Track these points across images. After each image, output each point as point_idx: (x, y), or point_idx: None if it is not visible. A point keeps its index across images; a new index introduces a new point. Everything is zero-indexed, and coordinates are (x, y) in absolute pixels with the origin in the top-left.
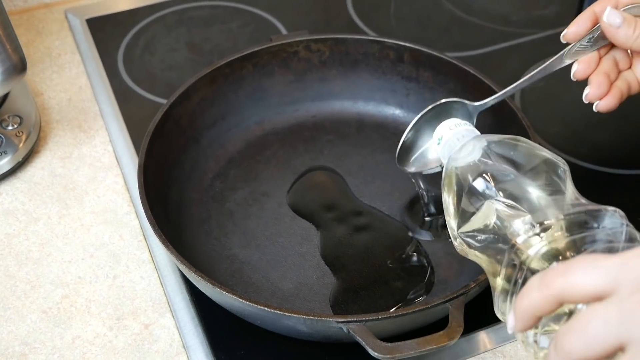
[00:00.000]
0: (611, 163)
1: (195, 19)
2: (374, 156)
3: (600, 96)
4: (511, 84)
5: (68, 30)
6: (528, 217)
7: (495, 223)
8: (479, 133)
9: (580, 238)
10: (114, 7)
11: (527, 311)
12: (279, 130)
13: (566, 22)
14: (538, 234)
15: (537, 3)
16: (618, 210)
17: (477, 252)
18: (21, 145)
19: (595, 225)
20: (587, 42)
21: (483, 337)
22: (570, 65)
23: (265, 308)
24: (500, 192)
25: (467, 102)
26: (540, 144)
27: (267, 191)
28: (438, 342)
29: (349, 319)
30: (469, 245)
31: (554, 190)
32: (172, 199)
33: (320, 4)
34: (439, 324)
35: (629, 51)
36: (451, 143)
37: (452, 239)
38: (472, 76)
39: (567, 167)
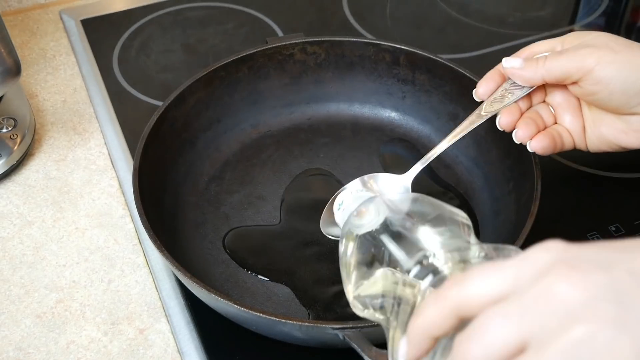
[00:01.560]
0: (606, 167)
1: (191, 19)
2: (370, 159)
3: (530, 135)
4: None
5: (63, 31)
6: (422, 256)
7: (392, 286)
8: (376, 197)
9: (475, 263)
10: (109, 7)
11: (421, 331)
12: (274, 133)
13: (561, 24)
14: (434, 269)
15: (533, 4)
16: (518, 249)
17: (375, 313)
18: (15, 147)
19: (495, 256)
20: (502, 94)
21: None
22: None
23: (261, 314)
24: (399, 253)
25: (393, 175)
26: None
27: (262, 194)
28: None
29: (344, 326)
30: (367, 306)
31: (456, 240)
32: (167, 202)
33: (316, 5)
34: None
35: (550, 108)
36: (350, 207)
37: (350, 303)
38: (468, 79)
39: (469, 222)
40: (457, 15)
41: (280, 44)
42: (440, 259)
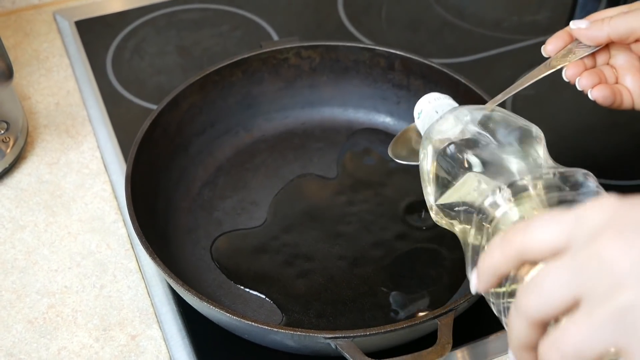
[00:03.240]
0: (601, 173)
1: (185, 21)
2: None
3: (593, 84)
4: (501, 91)
5: (56, 33)
6: (500, 182)
7: (472, 195)
8: (457, 105)
9: (549, 199)
10: (104, 9)
11: (488, 269)
12: (268, 137)
13: (558, 28)
14: (508, 197)
15: (529, 8)
16: (589, 173)
17: (453, 221)
18: (8, 151)
19: (566, 187)
20: (569, 50)
21: (471, 351)
22: (558, 71)
23: (253, 323)
24: (478, 164)
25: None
26: None
27: (255, 200)
28: (427, 359)
29: (336, 335)
30: (445, 215)
31: (529, 156)
32: (160, 207)
33: (311, 8)
34: (428, 338)
35: (613, 70)
36: (430, 116)
37: (429, 208)
38: (463, 85)
39: (541, 134)
40: (452, 18)
41: (274, 49)
42: (514, 185)
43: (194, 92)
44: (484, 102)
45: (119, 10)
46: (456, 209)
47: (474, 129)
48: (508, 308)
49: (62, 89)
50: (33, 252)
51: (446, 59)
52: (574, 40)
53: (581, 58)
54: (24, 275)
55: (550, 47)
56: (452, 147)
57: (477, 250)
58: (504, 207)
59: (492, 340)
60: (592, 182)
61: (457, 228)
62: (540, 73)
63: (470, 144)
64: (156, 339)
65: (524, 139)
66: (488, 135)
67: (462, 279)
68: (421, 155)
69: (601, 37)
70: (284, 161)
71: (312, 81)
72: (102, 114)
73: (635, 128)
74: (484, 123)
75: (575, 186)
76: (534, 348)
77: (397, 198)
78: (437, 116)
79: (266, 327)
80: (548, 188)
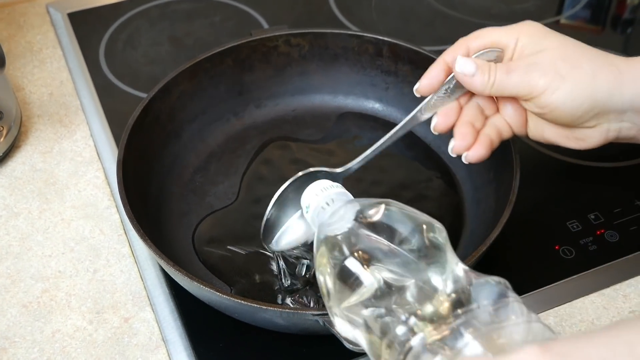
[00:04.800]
0: (587, 156)
1: (178, 12)
2: (354, 151)
3: (467, 147)
4: None
5: (50, 25)
6: (407, 305)
7: (374, 299)
8: (349, 195)
9: (460, 323)
10: (96, 1)
11: None
12: (259, 124)
13: (546, 16)
14: (419, 319)
15: None
16: (502, 281)
17: (358, 332)
18: (2, 139)
19: (477, 304)
20: (444, 92)
21: None
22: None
23: (242, 301)
24: (377, 267)
25: (329, 169)
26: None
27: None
28: None
29: (324, 312)
30: (350, 322)
31: (433, 258)
32: (152, 193)
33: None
34: None
35: (494, 97)
36: (320, 210)
37: (330, 317)
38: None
39: (444, 231)
40: (442, 8)
41: (264, 36)
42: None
43: (185, 79)
44: None
45: (111, 2)
46: (359, 315)
47: (373, 228)
48: None
49: (56, 79)
50: (27, 238)
51: (437, 46)
52: (450, 73)
53: (457, 99)
54: (18, 261)
55: (425, 84)
56: (350, 251)
57: None
58: (416, 337)
59: None
60: (508, 292)
61: (366, 341)
62: (410, 124)
63: (370, 248)
64: (149, 321)
65: (427, 237)
66: (389, 234)
67: None
68: (316, 257)
69: (484, 93)
70: (275, 147)
71: (302, 68)
72: (95, 103)
73: None
74: (382, 222)
75: (487, 298)
76: None
77: (385, 182)
78: (330, 210)
79: (255, 306)
80: (458, 305)
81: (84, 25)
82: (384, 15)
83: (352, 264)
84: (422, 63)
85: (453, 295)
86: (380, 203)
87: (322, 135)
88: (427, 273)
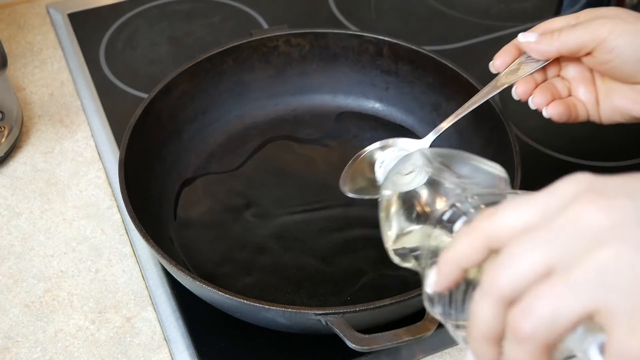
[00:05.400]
0: (588, 155)
1: (178, 13)
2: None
3: (547, 102)
4: (491, 77)
5: (50, 25)
6: (457, 208)
7: (432, 239)
8: (419, 149)
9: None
10: (96, 1)
11: (451, 261)
12: (259, 124)
13: (546, 15)
14: (466, 212)
15: None
16: None
17: (411, 263)
18: (3, 140)
19: None
20: (517, 66)
21: None
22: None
23: (244, 300)
24: (439, 208)
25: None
26: (518, 137)
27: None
28: (415, 334)
29: (327, 311)
30: (404, 259)
31: (495, 198)
32: (153, 193)
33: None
34: (418, 316)
35: (565, 81)
36: (391, 164)
37: (387, 250)
38: (451, 70)
39: (506, 175)
40: (441, 7)
41: (264, 36)
42: (473, 203)
43: (185, 79)
44: (471, 86)
45: (111, 2)
46: (415, 253)
47: (435, 173)
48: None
49: (56, 80)
50: (29, 238)
51: (436, 46)
52: (522, 53)
53: (531, 73)
54: (20, 261)
55: (499, 62)
56: (411, 193)
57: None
58: (461, 222)
59: None
60: None
61: (418, 268)
62: (489, 92)
63: (431, 187)
64: (151, 321)
65: (489, 181)
66: (450, 180)
67: None
68: (380, 200)
69: (550, 52)
70: (275, 147)
71: (302, 68)
72: (95, 103)
73: None
74: (446, 166)
75: None
76: (499, 340)
77: None
78: (397, 160)
79: (258, 305)
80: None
81: (84, 26)
82: (383, 14)
83: (411, 207)
84: (422, 63)
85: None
86: (444, 153)
87: (322, 135)
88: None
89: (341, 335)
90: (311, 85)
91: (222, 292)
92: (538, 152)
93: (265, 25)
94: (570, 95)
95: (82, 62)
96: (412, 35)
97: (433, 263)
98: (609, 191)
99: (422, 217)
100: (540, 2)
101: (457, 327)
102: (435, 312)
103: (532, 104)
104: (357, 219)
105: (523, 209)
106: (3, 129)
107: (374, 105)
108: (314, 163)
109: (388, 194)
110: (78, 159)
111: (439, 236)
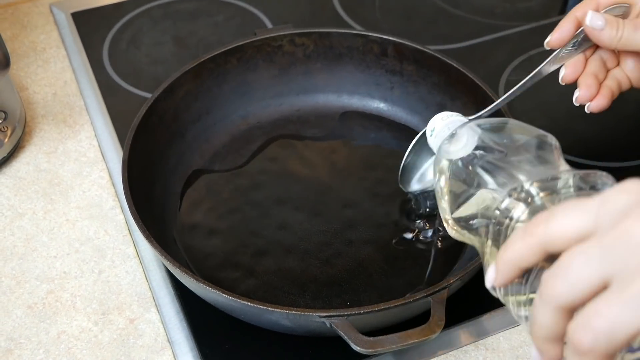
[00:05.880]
0: (595, 155)
1: (181, 12)
2: (359, 151)
3: (591, 97)
4: (496, 76)
5: (53, 24)
6: (515, 185)
7: (488, 206)
8: (471, 123)
9: (567, 198)
10: (100, 0)
11: (509, 261)
12: (263, 124)
13: (551, 15)
14: (524, 198)
15: None
16: (608, 175)
17: (469, 234)
18: (6, 140)
19: (586, 188)
20: (572, 46)
21: (465, 330)
22: (558, 69)
23: (249, 303)
24: (492, 177)
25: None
26: None
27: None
28: (419, 336)
29: (331, 314)
30: (462, 228)
31: (546, 165)
32: (157, 193)
33: None
34: (422, 318)
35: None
36: (442, 132)
37: (444, 222)
38: (455, 70)
39: (557, 142)
40: (446, 6)
41: (268, 36)
42: (530, 188)
43: (189, 79)
44: (476, 86)
45: (115, 1)
46: (472, 221)
47: (486, 142)
48: (527, 317)
49: (60, 79)
50: (32, 239)
51: (440, 45)
52: (579, 28)
53: (582, 51)
54: (23, 262)
55: (557, 37)
56: (465, 160)
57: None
58: (520, 208)
59: (486, 319)
60: (612, 182)
61: (476, 241)
62: (540, 75)
63: (483, 157)
64: (154, 322)
65: (540, 148)
66: (501, 147)
67: (457, 259)
68: (435, 171)
69: (610, 46)
70: (279, 147)
71: (306, 68)
72: (99, 103)
73: (626, 111)
74: (497, 135)
75: (595, 187)
76: (560, 339)
77: (392, 181)
78: (449, 131)
79: (261, 307)
80: (566, 188)
81: (88, 25)
82: (387, 14)
83: (466, 176)
84: (427, 62)
85: (560, 181)
86: (495, 121)
87: (327, 135)
88: (537, 175)
89: (345, 337)
90: (315, 85)
91: (226, 294)
92: None
93: (269, 25)
94: (617, 65)
95: (86, 61)
96: (417, 35)
97: (492, 234)
98: None
99: (477, 184)
100: (545, 1)
101: (519, 304)
102: (497, 293)
103: (576, 101)
104: (362, 219)
105: (577, 217)
106: (6, 129)
107: (378, 105)
108: (318, 163)
109: (442, 163)
110: (81, 159)
111: (494, 205)
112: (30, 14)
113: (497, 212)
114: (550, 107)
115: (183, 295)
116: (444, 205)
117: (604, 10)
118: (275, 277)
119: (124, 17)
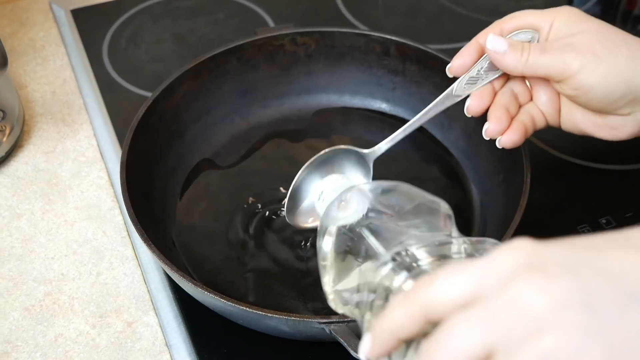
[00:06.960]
0: (597, 158)
1: (182, 9)
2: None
3: (501, 131)
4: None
5: (52, 22)
6: (397, 251)
7: (371, 278)
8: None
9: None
10: None
11: (387, 331)
12: (264, 124)
13: None
14: (409, 265)
15: None
16: (497, 242)
17: (353, 309)
18: (4, 139)
19: (476, 254)
20: (477, 73)
21: None
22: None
23: (247, 308)
24: (380, 244)
25: (357, 149)
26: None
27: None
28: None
29: (331, 320)
30: (344, 303)
31: (435, 232)
32: (156, 194)
33: None
34: None
35: (527, 83)
36: (329, 198)
37: (326, 295)
38: None
39: (450, 210)
40: (450, 5)
41: (269, 35)
42: (415, 255)
43: (188, 79)
44: None
45: None
46: (354, 295)
47: (376, 207)
48: None
49: (59, 77)
50: (30, 240)
51: (444, 44)
52: (482, 55)
53: (490, 82)
54: (20, 263)
55: (457, 63)
56: (353, 227)
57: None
58: (404, 275)
59: None
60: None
61: (357, 314)
62: (441, 103)
63: (367, 225)
64: (152, 326)
65: (430, 214)
66: (388, 213)
67: None
68: (318, 242)
69: (515, 71)
70: (279, 148)
71: (308, 68)
72: (98, 102)
73: None
74: (387, 199)
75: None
76: None
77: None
78: (335, 198)
79: (260, 313)
80: (457, 254)
81: (87, 22)
82: (390, 12)
83: (350, 247)
84: (430, 62)
85: (447, 248)
86: (385, 186)
87: (328, 135)
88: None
89: (345, 344)
90: (317, 85)
91: (225, 299)
92: (547, 155)
93: (270, 22)
94: (530, 99)
95: (85, 59)
96: (420, 33)
97: (373, 308)
98: (550, 267)
99: (365, 251)
100: (548, 0)
101: None
102: None
103: (486, 134)
104: None
105: (460, 281)
106: (4, 128)
107: (380, 106)
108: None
109: (326, 231)
110: (80, 159)
111: (378, 280)
112: (30, 10)
113: (380, 281)
114: None
115: (181, 298)
116: (325, 278)
117: (508, 36)
118: (275, 281)
119: (124, 14)
